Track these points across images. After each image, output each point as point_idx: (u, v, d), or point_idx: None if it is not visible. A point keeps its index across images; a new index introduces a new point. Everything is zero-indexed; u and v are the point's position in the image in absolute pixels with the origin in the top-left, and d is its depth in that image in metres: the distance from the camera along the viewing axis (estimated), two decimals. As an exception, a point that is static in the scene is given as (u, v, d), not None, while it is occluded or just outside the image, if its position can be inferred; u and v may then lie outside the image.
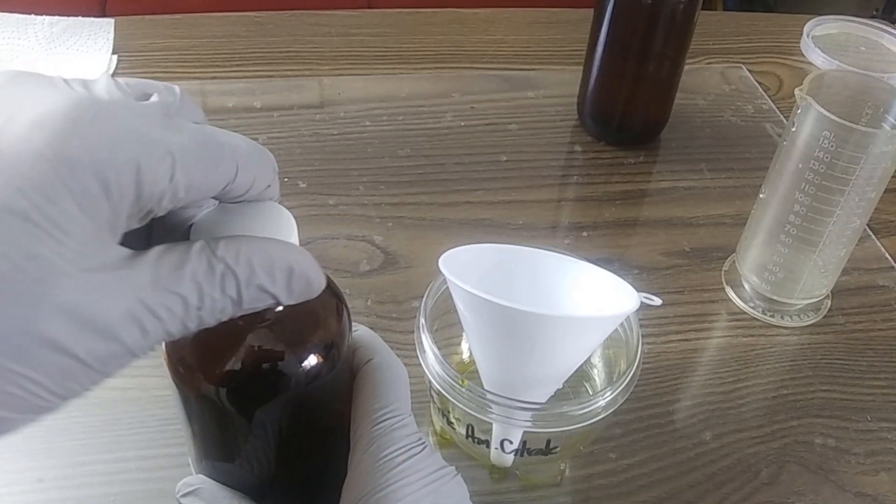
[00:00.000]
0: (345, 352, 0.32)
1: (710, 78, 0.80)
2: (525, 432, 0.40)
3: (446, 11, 0.88)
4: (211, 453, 0.34)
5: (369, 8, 1.12)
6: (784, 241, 0.52)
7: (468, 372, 0.44)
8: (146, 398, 0.47)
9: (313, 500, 0.37)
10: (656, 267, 0.59)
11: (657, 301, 0.38)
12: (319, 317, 0.32)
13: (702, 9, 0.64)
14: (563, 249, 0.42)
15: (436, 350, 0.39)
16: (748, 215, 0.55)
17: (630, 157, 0.69)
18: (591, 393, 0.43)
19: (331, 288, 0.33)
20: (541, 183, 0.66)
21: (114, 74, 0.72)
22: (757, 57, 0.84)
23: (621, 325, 0.42)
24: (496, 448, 0.41)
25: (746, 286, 0.56)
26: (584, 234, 0.61)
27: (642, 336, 0.41)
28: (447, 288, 0.40)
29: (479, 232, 0.60)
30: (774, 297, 0.55)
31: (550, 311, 0.36)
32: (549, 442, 0.40)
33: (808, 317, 0.56)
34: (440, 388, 0.39)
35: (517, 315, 0.35)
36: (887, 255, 0.62)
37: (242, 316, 0.28)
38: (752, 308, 0.56)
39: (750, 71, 0.81)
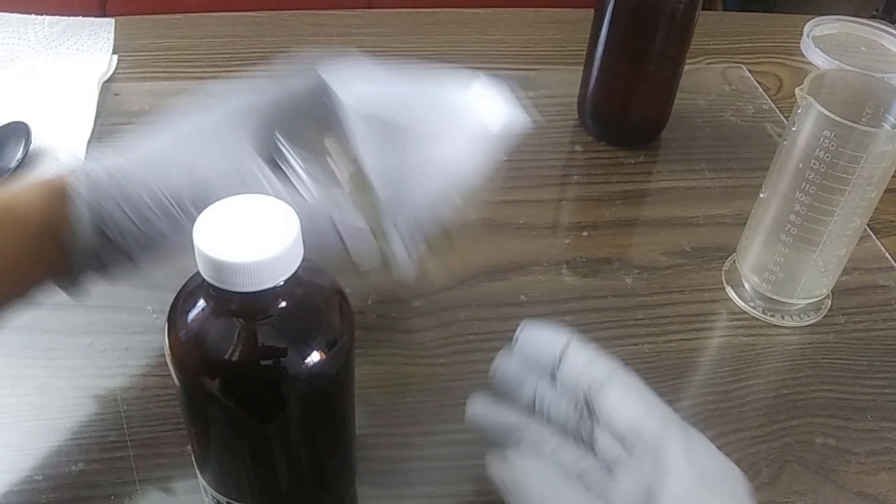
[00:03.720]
0: (347, 348, 0.32)
1: (711, 78, 0.80)
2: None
3: (446, 11, 0.88)
4: (213, 450, 0.34)
5: (369, 8, 1.11)
6: (784, 241, 0.52)
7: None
8: (146, 398, 0.47)
9: (315, 497, 0.37)
10: (657, 266, 0.59)
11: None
12: (322, 313, 0.32)
13: (702, 9, 0.64)
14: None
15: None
16: (748, 215, 0.55)
17: (630, 157, 0.69)
18: None
19: (333, 285, 0.33)
20: (541, 183, 0.66)
21: (114, 74, 0.73)
22: (757, 57, 0.84)
23: None
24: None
25: (747, 286, 0.56)
26: (585, 233, 0.61)
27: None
28: None
29: (480, 231, 0.60)
30: (775, 297, 0.55)
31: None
32: None
33: (809, 316, 0.56)
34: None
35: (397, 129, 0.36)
36: (887, 254, 0.62)
37: (245, 314, 0.28)
38: (753, 308, 0.56)
39: (750, 71, 0.81)
